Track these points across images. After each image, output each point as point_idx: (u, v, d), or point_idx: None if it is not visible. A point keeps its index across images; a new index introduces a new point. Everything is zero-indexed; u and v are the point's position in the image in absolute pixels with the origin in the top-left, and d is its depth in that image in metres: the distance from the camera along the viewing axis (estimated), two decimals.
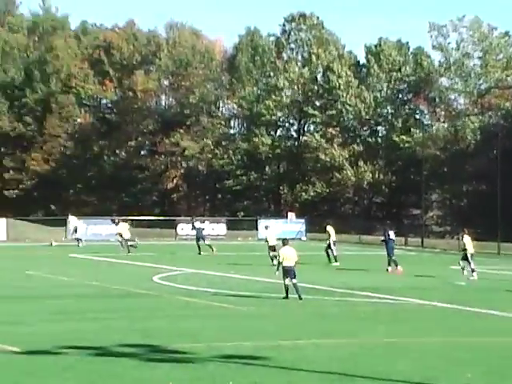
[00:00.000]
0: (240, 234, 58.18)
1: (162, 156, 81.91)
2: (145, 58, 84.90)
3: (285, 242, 22.97)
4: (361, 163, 72.68)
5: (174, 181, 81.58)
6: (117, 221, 45.81)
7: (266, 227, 37.77)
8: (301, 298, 21.89)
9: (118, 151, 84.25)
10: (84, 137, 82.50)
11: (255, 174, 78.22)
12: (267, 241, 35.15)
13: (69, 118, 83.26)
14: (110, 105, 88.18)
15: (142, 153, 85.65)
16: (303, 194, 75.59)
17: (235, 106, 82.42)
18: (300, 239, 56.06)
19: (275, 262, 32.14)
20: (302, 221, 60.10)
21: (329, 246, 36.11)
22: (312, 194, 75.11)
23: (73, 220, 49.11)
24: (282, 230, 54.85)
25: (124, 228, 43.20)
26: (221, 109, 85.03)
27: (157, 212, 74.33)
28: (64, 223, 53.79)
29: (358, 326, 18.27)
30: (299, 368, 13.03)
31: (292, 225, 59.17)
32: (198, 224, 44.17)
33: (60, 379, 12.06)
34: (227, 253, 42.51)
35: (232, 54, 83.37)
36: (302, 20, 79.04)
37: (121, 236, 42.37)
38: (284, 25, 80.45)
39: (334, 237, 36.32)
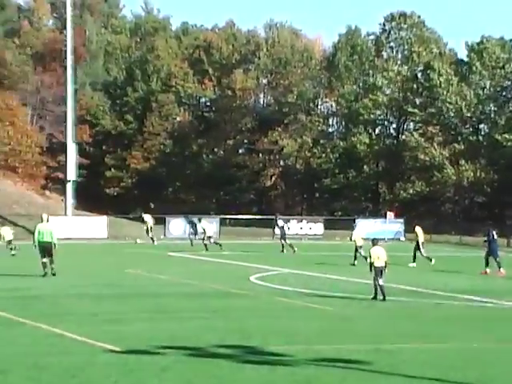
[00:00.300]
0: (337, 233, 57.78)
1: (260, 154, 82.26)
2: (244, 57, 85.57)
3: (374, 241, 22.75)
4: (462, 162, 71.34)
5: (272, 179, 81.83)
6: (197, 218, 46.27)
7: (354, 227, 37.56)
8: (384, 299, 21.72)
9: (216, 149, 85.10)
10: (183, 135, 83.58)
11: (353, 172, 77.72)
12: (354, 240, 35.01)
13: (168, 117, 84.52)
14: (208, 103, 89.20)
15: (240, 151, 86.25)
16: (402, 192, 74.70)
17: (333, 104, 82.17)
18: (399, 239, 55.35)
19: (361, 261, 32.47)
20: (401, 220, 59.18)
21: (418, 247, 35.55)
22: (411, 192, 74.13)
23: (147, 218, 49.38)
24: (380, 229, 54.61)
25: (207, 225, 43.73)
26: (319, 107, 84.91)
27: (254, 210, 74.67)
28: (163, 221, 54.58)
29: (457, 329, 17.85)
30: (398, 373, 12.79)
31: (391, 224, 58.42)
32: (280, 222, 43.96)
33: (158, 379, 12.13)
34: (325, 253, 42.28)
35: (331, 53, 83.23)
36: (403, 19, 78.51)
37: (204, 232, 42.82)
38: (384, 24, 80.00)
39: (422, 238, 35.73)
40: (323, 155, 78.52)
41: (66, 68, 56.93)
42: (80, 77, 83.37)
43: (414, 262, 34.75)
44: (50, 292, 23.25)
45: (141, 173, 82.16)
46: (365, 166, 77.88)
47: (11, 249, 37.50)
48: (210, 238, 42.35)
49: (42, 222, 27.42)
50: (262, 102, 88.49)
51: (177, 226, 54.48)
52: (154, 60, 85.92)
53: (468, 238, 54.51)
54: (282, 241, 41.72)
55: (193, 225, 46.43)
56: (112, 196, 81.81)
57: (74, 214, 55.08)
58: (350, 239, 35.12)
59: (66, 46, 56.44)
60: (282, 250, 41.17)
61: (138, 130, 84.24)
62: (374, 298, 21.90)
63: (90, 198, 71.00)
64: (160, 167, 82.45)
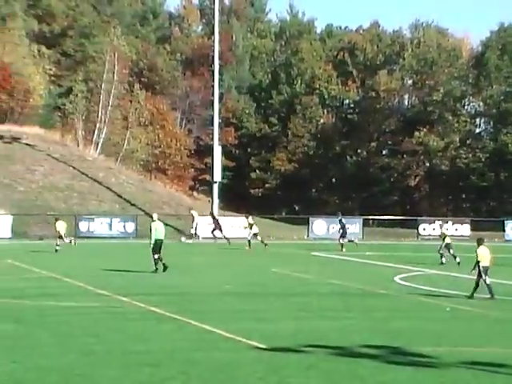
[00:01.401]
0: (485, 235, 56.32)
1: (404, 155, 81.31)
2: (388, 58, 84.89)
3: (480, 241, 22.84)
4: None
5: (416, 179, 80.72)
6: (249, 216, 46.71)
7: (441, 226, 36.91)
8: (493, 297, 21.92)
9: (359, 151, 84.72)
10: (326, 137, 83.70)
11: (502, 173, 75.68)
12: (444, 238, 34.80)
13: (312, 119, 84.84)
14: (352, 105, 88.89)
15: (384, 152, 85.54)
16: None
17: (481, 104, 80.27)
18: None
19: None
20: None
21: None
22: None
23: (195, 215, 49.52)
24: None
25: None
26: (466, 107, 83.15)
27: (398, 212, 73.85)
28: (306, 222, 54.94)
29: None
30: None
31: None
32: (344, 221, 43.84)
33: (303, 378, 12.28)
34: (470, 254, 41.35)
35: (480, 51, 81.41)
36: None
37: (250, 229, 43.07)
38: None
39: None
40: (470, 155, 76.81)
41: (213, 72, 57.95)
42: (226, 81, 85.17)
43: None
44: (198, 289, 23.90)
45: (285, 174, 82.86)
46: None
47: (57, 244, 37.45)
48: (256, 235, 43.08)
49: (154, 220, 28.34)
50: (406, 103, 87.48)
51: (320, 226, 54.82)
52: (298, 63, 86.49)
53: None
54: (342, 240, 41.92)
55: (217, 221, 47.23)
56: (256, 197, 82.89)
57: (219, 214, 56.17)
58: (440, 237, 34.97)
59: (213, 51, 57.42)
60: (342, 249, 41.15)
61: (282, 132, 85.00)
62: (471, 297, 22.08)
63: (236, 199, 72.25)
64: (303, 169, 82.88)
